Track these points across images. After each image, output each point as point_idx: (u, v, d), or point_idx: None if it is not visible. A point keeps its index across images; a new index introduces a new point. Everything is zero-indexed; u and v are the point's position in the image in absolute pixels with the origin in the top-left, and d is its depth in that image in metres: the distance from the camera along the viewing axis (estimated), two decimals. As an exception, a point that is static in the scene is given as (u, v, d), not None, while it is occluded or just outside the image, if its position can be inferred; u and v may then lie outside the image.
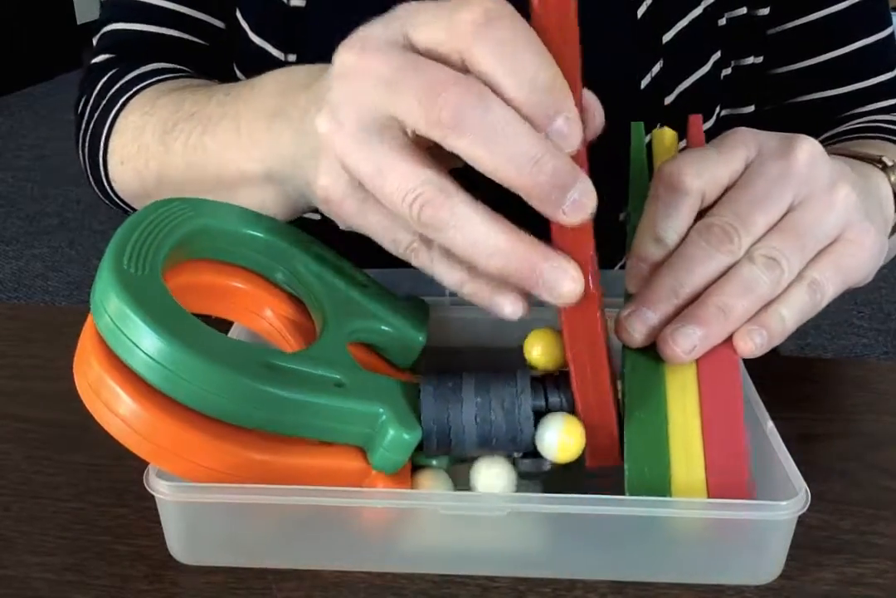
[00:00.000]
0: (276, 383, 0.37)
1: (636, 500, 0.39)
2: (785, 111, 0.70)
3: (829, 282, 0.42)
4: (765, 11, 0.65)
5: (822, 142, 0.65)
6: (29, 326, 0.65)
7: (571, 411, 0.41)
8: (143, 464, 0.39)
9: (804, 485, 0.39)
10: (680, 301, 0.41)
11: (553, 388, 0.42)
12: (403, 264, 0.58)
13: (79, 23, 4.13)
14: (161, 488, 0.39)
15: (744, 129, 0.44)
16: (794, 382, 0.58)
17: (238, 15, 0.66)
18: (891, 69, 0.69)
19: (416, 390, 0.42)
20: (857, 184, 0.45)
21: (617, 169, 0.57)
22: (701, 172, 0.42)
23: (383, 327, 0.46)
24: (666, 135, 0.50)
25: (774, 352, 0.79)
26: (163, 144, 0.57)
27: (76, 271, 2.32)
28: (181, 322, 0.37)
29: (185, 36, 0.68)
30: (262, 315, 0.47)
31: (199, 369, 0.36)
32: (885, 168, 0.50)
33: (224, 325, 0.50)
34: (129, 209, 0.68)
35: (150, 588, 0.41)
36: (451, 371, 0.42)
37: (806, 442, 0.51)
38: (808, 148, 0.43)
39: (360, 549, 0.41)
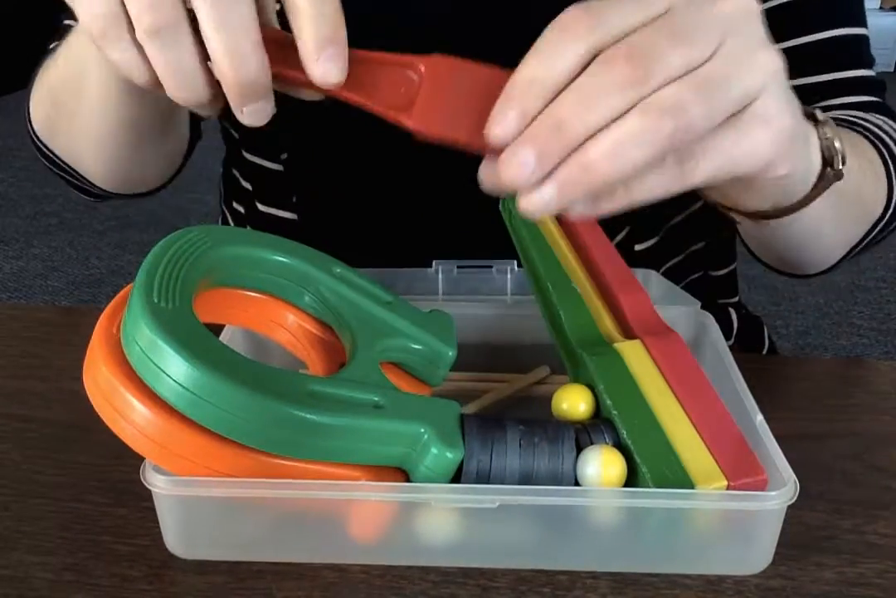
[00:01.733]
0: (318, 409, 0.37)
1: (625, 491, 0.40)
2: None
3: (706, 161, 0.37)
4: None
5: None
6: (29, 326, 0.65)
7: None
8: (142, 464, 0.39)
9: (793, 476, 0.39)
10: (565, 140, 0.36)
11: (593, 429, 0.42)
12: (395, 264, 0.59)
13: (79, 23, 4.13)
14: (158, 483, 0.39)
15: None
16: (794, 382, 0.58)
17: None
18: (863, 67, 0.67)
19: (453, 409, 0.42)
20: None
21: None
22: (603, 21, 0.36)
23: (413, 345, 0.46)
24: None
25: (774, 352, 0.80)
26: (52, 67, 0.62)
27: (76, 271, 2.32)
28: (216, 352, 0.37)
29: None
30: (284, 325, 0.47)
31: (237, 398, 0.36)
32: (816, 123, 0.47)
33: (220, 330, 0.50)
34: (56, 160, 0.69)
35: (150, 588, 0.41)
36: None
37: (806, 442, 0.51)
38: (745, 3, 0.38)
39: (355, 542, 0.41)
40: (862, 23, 0.67)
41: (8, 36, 3.71)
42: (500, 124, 0.37)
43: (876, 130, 0.61)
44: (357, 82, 0.40)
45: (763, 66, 0.38)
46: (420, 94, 0.40)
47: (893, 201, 0.61)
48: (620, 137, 0.35)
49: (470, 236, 0.63)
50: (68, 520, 0.45)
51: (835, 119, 0.60)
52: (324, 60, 0.38)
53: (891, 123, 0.65)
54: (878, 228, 0.62)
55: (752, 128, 0.38)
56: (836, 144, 0.46)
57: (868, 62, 0.68)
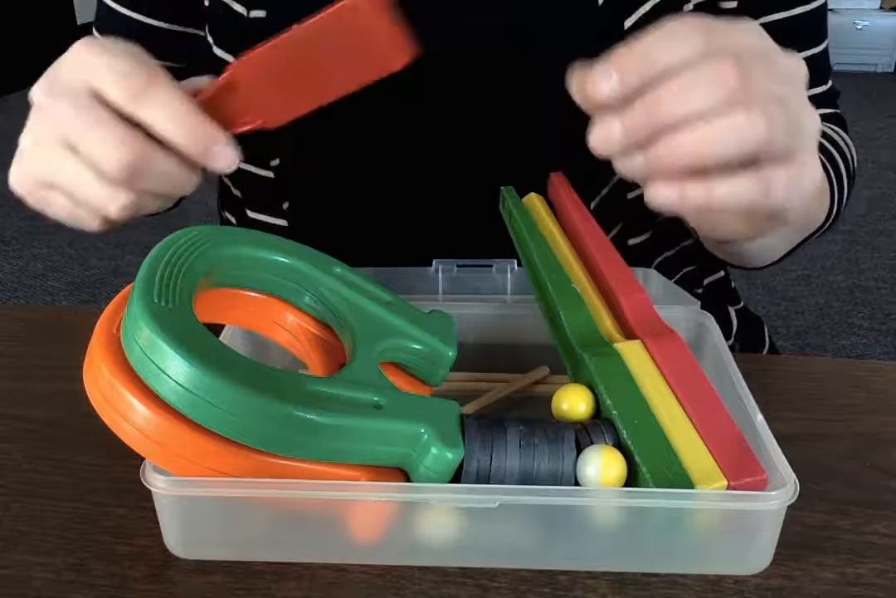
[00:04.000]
0: (318, 409, 0.37)
1: (625, 491, 0.40)
2: None
3: (784, 187, 0.41)
4: (731, 4, 0.65)
5: None
6: (29, 326, 0.65)
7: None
8: (142, 464, 0.39)
9: (793, 476, 0.39)
10: (655, 120, 0.39)
11: (593, 429, 0.42)
12: (390, 264, 0.59)
13: (79, 23, 4.13)
14: (158, 483, 0.39)
15: (689, 20, 0.41)
16: (794, 382, 0.58)
17: (206, 30, 0.68)
18: (821, 84, 0.69)
19: (453, 409, 0.42)
20: None
21: (574, 155, 0.58)
22: (716, 35, 0.40)
23: (413, 345, 0.46)
24: (535, 200, 0.54)
25: (774, 352, 0.80)
26: None
27: (76, 271, 2.32)
28: (216, 352, 0.37)
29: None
30: (284, 325, 0.47)
31: (237, 398, 0.36)
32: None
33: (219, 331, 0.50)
34: None
35: (150, 588, 0.41)
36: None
37: (806, 442, 0.51)
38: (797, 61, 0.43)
39: (354, 542, 0.41)
40: (820, 40, 0.69)
41: (8, 36, 3.71)
42: (595, 83, 0.40)
43: (828, 145, 0.65)
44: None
45: (813, 121, 0.42)
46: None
47: (834, 212, 0.65)
48: (715, 127, 0.38)
49: (470, 236, 0.63)
50: (68, 520, 0.45)
51: None
52: (213, 160, 0.44)
53: (843, 134, 0.68)
54: (819, 233, 0.66)
55: (812, 163, 0.42)
56: None
57: (825, 78, 0.70)
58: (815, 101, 0.67)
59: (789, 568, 0.42)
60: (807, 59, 0.66)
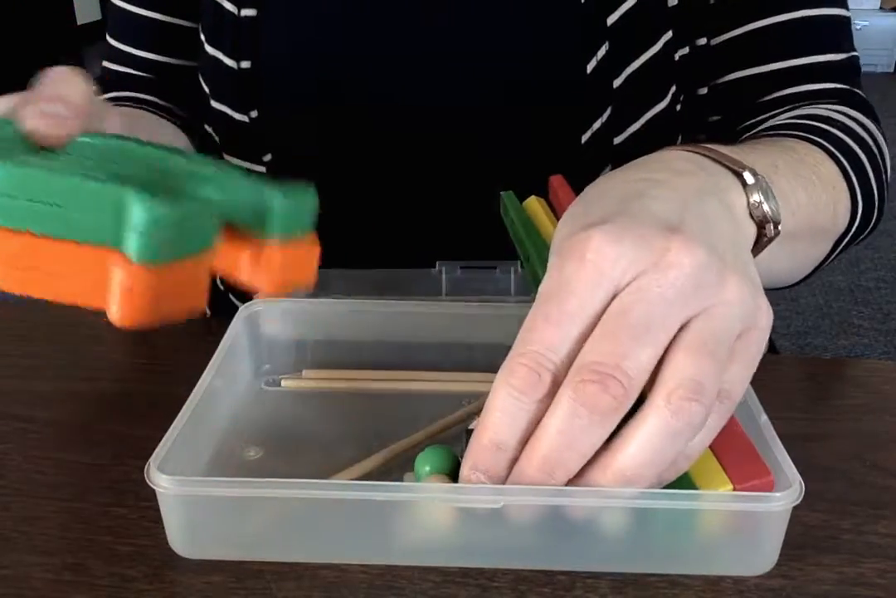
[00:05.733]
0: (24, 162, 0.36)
1: (628, 492, 0.39)
2: (714, 95, 0.67)
3: (741, 386, 0.37)
4: None
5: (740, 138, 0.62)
6: (29, 326, 0.65)
7: None
8: (143, 463, 0.39)
9: (798, 477, 0.39)
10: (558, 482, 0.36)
11: None
12: (392, 266, 0.59)
13: (79, 23, 4.13)
14: (162, 482, 0.39)
15: (597, 237, 0.35)
16: (794, 382, 0.58)
17: (199, 28, 0.69)
18: (832, 51, 0.65)
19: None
20: (720, 223, 0.39)
21: (565, 153, 0.56)
22: (548, 352, 0.36)
23: (236, 197, 0.43)
24: (535, 203, 0.54)
25: (774, 352, 0.80)
26: None
27: (76, 271, 2.32)
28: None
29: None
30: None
31: None
32: (744, 186, 0.42)
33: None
34: None
35: (150, 588, 0.41)
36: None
37: (806, 442, 0.51)
38: (687, 255, 0.35)
39: (357, 542, 0.41)
40: (837, 3, 0.65)
41: (8, 36, 3.71)
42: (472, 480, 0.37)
43: (837, 133, 0.58)
44: None
45: (736, 296, 0.36)
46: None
47: (860, 207, 0.57)
48: (634, 450, 0.35)
49: (473, 238, 0.63)
50: (68, 520, 0.45)
51: (787, 126, 0.59)
52: None
53: (856, 115, 0.63)
54: (849, 238, 0.59)
55: (752, 340, 0.37)
56: (766, 208, 0.42)
57: (840, 46, 0.65)
58: (816, 71, 0.65)
59: (789, 568, 0.42)
60: (809, 20, 0.64)
